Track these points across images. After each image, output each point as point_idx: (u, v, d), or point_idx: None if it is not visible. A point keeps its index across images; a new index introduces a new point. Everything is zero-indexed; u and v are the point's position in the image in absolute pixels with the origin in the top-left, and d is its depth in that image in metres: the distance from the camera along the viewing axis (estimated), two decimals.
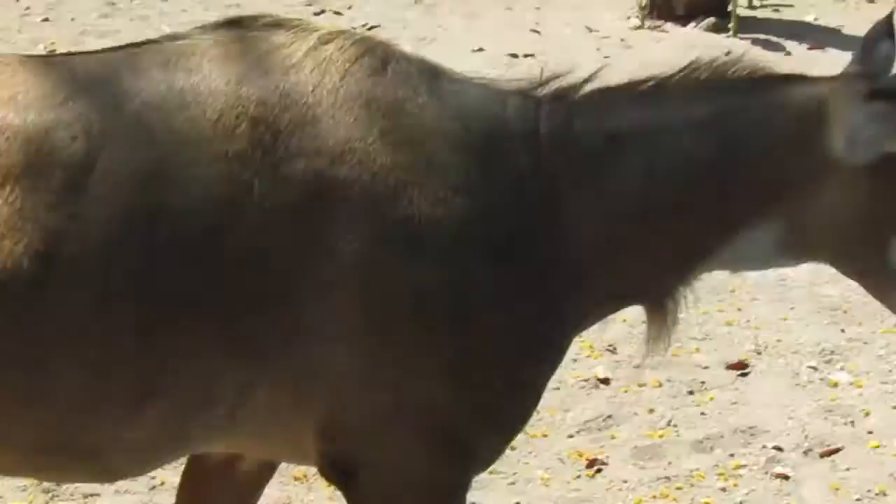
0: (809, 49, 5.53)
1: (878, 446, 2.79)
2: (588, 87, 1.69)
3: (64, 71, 1.72)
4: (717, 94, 1.68)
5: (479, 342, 1.59)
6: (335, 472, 1.68)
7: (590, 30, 5.81)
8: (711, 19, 5.72)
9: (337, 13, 5.83)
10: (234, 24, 1.73)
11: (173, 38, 1.76)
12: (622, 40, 5.67)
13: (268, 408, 1.56)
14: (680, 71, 1.70)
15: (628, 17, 5.91)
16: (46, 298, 1.47)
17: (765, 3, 6.14)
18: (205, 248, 1.50)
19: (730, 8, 5.75)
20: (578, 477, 2.77)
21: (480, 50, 5.53)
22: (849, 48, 4.96)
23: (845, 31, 5.84)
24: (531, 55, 5.42)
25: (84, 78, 1.67)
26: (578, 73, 1.71)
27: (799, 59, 5.25)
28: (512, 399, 1.68)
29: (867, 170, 1.59)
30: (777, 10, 6.14)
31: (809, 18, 6.02)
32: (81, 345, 1.50)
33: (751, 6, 5.96)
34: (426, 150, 1.59)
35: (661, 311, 1.71)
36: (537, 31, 5.90)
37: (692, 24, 5.75)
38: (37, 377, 1.51)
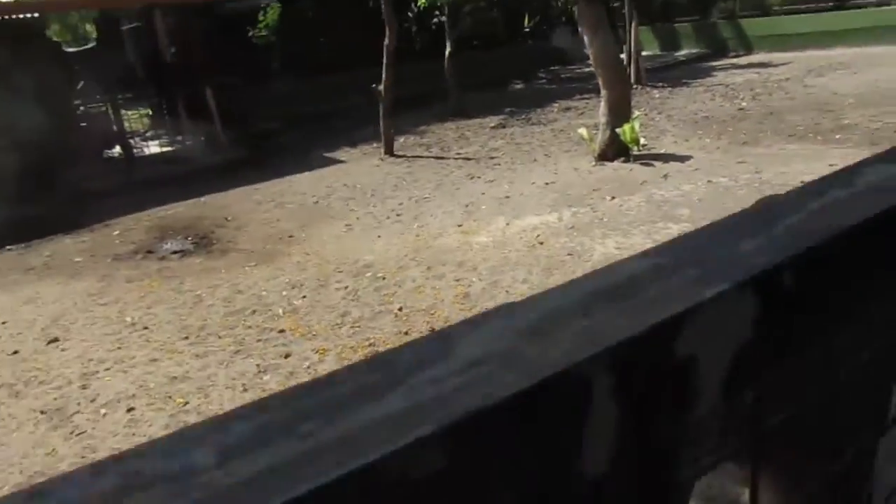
0: (665, 163, 9.14)
1: None
2: None
3: None
4: None
5: None
6: None
7: (575, 169, 9.79)
8: (623, 158, 9.74)
9: None
10: None
11: None
12: (589, 171, 9.50)
13: None
14: None
15: (590, 162, 9.99)
16: None
17: (642, 149, 9.90)
18: None
19: (630, 153, 9.78)
20: None
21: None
22: (680, 161, 9.63)
23: (680, 154, 9.72)
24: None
25: None
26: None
27: (659, 168, 9.09)
28: None
29: None
30: (649, 150, 10.03)
31: (662, 150, 10.04)
32: None
33: (639, 150, 9.78)
34: None
35: None
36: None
37: (617, 161, 9.71)
38: None
